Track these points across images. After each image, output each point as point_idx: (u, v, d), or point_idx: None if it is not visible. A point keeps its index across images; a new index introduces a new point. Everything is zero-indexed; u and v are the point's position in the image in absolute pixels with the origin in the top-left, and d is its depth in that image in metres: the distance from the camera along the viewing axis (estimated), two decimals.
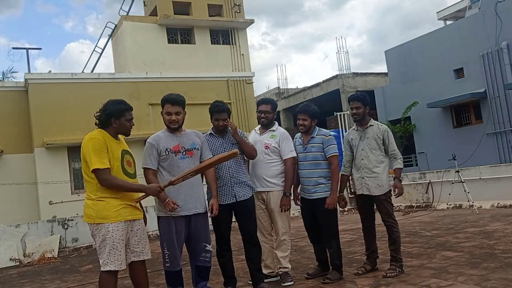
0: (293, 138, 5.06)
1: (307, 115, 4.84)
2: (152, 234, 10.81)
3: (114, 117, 3.71)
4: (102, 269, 3.61)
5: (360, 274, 4.79)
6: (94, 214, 3.58)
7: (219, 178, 4.46)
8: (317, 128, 4.94)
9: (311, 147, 4.82)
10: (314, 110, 4.90)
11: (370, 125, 4.89)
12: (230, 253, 4.63)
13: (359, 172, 4.89)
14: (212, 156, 4.34)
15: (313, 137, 4.86)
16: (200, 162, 4.29)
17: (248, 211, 4.57)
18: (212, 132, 4.64)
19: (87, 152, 3.58)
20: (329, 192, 4.74)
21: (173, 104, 4.16)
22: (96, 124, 3.79)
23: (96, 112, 3.79)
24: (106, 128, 3.74)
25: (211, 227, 4.34)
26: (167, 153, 4.11)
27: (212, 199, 4.29)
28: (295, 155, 4.84)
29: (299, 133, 5.02)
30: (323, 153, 4.80)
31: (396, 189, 4.74)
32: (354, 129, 5.04)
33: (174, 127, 4.18)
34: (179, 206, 3.91)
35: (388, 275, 4.52)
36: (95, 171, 3.54)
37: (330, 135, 4.91)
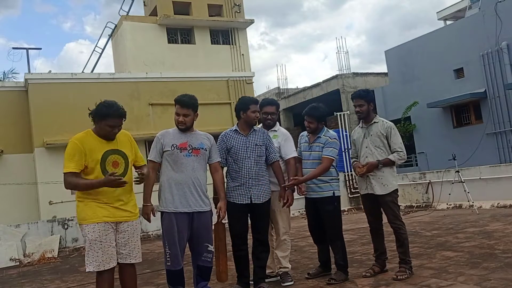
0: (297, 137, 5.06)
1: (313, 118, 4.83)
2: (152, 234, 10.83)
3: (97, 118, 3.69)
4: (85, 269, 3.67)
5: (368, 276, 4.67)
6: (77, 215, 3.70)
7: (237, 177, 4.49)
8: (326, 129, 4.89)
9: (316, 146, 4.82)
10: (320, 114, 4.84)
11: (375, 122, 4.79)
12: (246, 251, 4.57)
13: None
14: (219, 159, 4.43)
15: (320, 136, 4.82)
16: (209, 164, 4.35)
17: (262, 213, 4.57)
18: (238, 129, 4.65)
19: (64, 156, 3.65)
20: (332, 191, 4.72)
21: (182, 107, 4.23)
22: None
23: (89, 109, 3.79)
24: (95, 127, 3.76)
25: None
26: (172, 148, 4.17)
27: (220, 202, 4.33)
28: (296, 155, 4.87)
29: (306, 131, 5.01)
30: None
31: (365, 167, 4.61)
32: (359, 126, 4.99)
33: (181, 128, 4.25)
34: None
35: (398, 277, 4.45)
36: (63, 175, 3.60)
37: (335, 138, 4.83)
